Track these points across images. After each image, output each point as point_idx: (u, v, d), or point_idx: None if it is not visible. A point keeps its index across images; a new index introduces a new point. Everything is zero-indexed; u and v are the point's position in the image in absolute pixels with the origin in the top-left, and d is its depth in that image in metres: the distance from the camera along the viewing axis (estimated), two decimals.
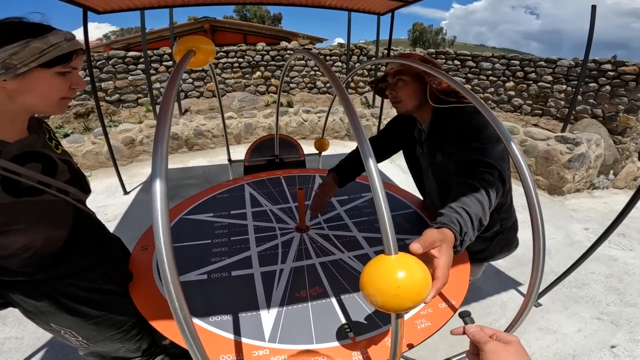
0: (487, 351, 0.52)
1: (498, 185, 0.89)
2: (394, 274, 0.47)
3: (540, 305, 2.14)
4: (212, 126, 5.07)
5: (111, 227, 2.84)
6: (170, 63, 5.72)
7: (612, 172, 4.50)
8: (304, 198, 1.27)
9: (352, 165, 1.45)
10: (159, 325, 0.82)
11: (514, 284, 2.28)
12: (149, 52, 5.39)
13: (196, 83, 6.14)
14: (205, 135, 5.05)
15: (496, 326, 1.95)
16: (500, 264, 2.45)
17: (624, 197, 4.18)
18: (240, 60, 6.23)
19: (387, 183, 1.83)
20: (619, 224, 1.73)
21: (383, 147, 1.47)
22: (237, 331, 0.83)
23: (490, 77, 5.69)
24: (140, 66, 5.63)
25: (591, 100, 4.74)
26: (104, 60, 5.50)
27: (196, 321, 0.84)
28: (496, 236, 1.21)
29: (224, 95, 6.16)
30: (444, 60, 6.16)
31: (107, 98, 5.58)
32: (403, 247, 1.17)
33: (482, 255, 1.25)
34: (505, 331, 0.63)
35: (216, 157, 4.65)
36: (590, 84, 4.69)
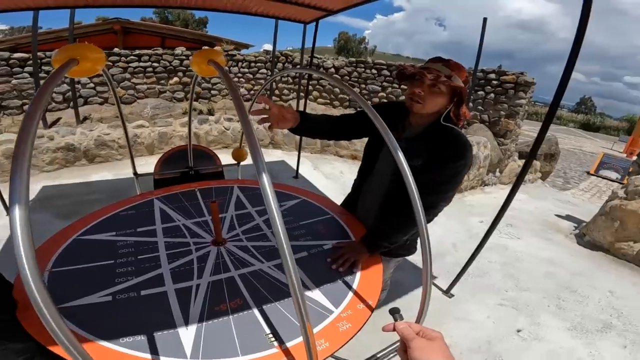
0: (413, 348, 0.55)
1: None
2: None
3: (453, 295, 2.35)
4: (119, 135, 4.57)
5: None
6: None
7: (498, 170, 5.30)
8: (218, 211, 1.22)
9: (322, 119, 1.35)
10: (59, 350, 0.73)
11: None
12: (40, 54, 4.67)
13: (99, 88, 5.50)
14: (110, 145, 4.53)
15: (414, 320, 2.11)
16: (417, 259, 2.67)
17: (509, 191, 4.96)
18: (155, 64, 5.78)
19: (307, 191, 1.87)
20: (502, 216, 2.05)
21: (358, 125, 1.39)
22: (153, 350, 0.79)
23: (402, 86, 6.26)
24: (27, 69, 4.83)
25: (480, 107, 5.53)
26: None
27: (105, 344, 0.79)
28: (405, 242, 1.33)
29: (134, 102, 5.63)
30: (363, 69, 6.55)
31: None
32: (322, 253, 1.22)
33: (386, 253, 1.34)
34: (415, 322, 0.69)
35: (124, 170, 4.19)
36: (479, 92, 5.47)
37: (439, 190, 1.15)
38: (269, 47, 7.65)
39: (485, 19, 4.63)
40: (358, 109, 1.31)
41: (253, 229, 1.37)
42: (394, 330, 0.62)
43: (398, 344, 0.99)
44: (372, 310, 0.98)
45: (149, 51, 5.76)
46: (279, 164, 4.90)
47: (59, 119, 4.97)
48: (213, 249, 1.21)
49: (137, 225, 1.35)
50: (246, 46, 8.81)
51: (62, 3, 2.71)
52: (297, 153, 4.37)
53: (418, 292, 2.36)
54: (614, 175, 8.08)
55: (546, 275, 2.77)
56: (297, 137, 5.27)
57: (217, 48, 6.22)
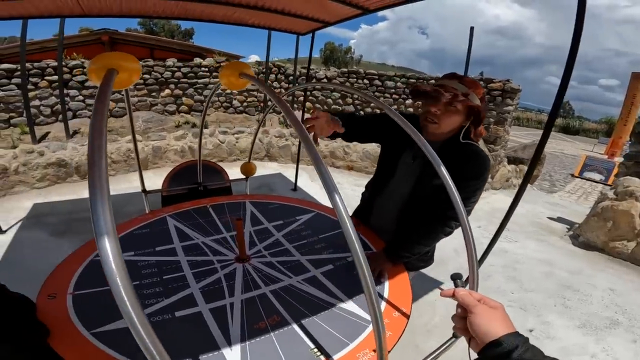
0: (476, 314, 0.54)
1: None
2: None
3: None
4: (112, 150, 4.49)
5: None
6: (55, 78, 4.92)
7: (490, 175, 5.42)
8: (242, 227, 1.22)
9: (360, 121, 1.31)
10: None
11: (435, 283, 2.52)
12: (28, 64, 4.57)
13: (88, 101, 5.39)
14: None
15: (431, 324, 2.12)
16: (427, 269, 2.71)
17: (501, 196, 5.07)
18: (147, 76, 5.72)
19: (319, 204, 1.88)
20: (508, 220, 2.10)
21: (367, 129, 1.36)
22: None
23: (394, 95, 6.36)
24: (15, 80, 4.70)
25: None
26: None
27: None
28: (425, 254, 1.37)
29: (124, 115, 5.54)
30: (355, 79, 6.62)
31: None
32: (347, 265, 1.23)
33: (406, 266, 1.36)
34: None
35: (118, 186, 4.11)
36: None
37: None
38: (256, 57, 7.68)
39: (472, 28, 4.77)
40: (377, 111, 1.23)
41: (274, 245, 1.37)
42: (454, 295, 0.60)
43: (448, 344, 0.99)
44: (407, 317, 0.99)
45: (140, 62, 5.70)
46: (276, 176, 4.88)
47: (47, 133, 4.85)
48: (238, 266, 1.20)
49: (155, 244, 1.33)
50: (237, 57, 8.83)
51: (56, 12, 2.67)
52: (292, 165, 4.37)
53: (426, 298, 2.40)
54: (597, 176, 8.37)
55: (547, 276, 2.84)
56: (294, 149, 5.29)
57: (208, 59, 6.20)
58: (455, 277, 0.66)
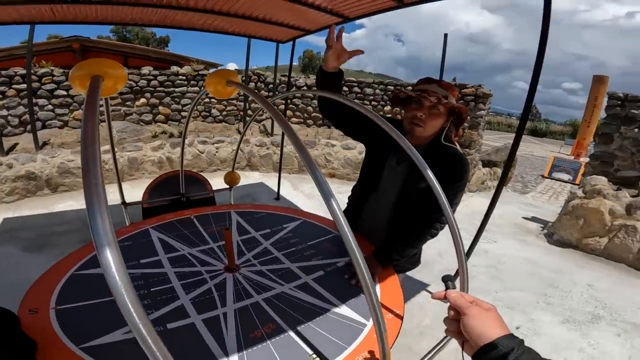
0: (470, 315, 0.53)
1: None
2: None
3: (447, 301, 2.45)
4: None
5: None
6: (24, 86, 4.69)
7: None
8: (231, 237, 1.21)
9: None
10: None
11: (422, 285, 2.56)
12: None
13: (58, 110, 5.17)
14: (74, 173, 4.25)
15: (423, 326, 2.15)
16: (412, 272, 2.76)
17: (478, 198, 5.23)
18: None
19: (304, 211, 1.88)
20: (487, 221, 2.17)
21: (364, 129, 1.35)
22: None
23: (372, 102, 6.48)
24: None
25: None
26: None
27: None
28: (412, 257, 1.40)
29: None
30: None
31: None
32: (337, 270, 1.24)
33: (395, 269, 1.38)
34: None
35: None
36: None
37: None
38: (234, 66, 7.63)
39: (446, 35, 4.93)
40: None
41: (263, 253, 1.36)
42: (445, 298, 0.59)
43: (444, 342, 1.00)
44: (401, 318, 1.01)
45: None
46: (258, 185, 4.84)
47: (15, 145, 4.61)
48: (228, 276, 1.18)
49: (138, 256, 1.29)
50: (215, 65, 8.74)
51: (28, 18, 2.58)
52: (275, 174, 4.34)
53: (414, 300, 2.42)
54: (566, 176, 8.80)
55: (527, 274, 2.95)
56: (275, 158, 5.25)
57: (186, 67, 6.11)
58: (447, 279, 0.64)
